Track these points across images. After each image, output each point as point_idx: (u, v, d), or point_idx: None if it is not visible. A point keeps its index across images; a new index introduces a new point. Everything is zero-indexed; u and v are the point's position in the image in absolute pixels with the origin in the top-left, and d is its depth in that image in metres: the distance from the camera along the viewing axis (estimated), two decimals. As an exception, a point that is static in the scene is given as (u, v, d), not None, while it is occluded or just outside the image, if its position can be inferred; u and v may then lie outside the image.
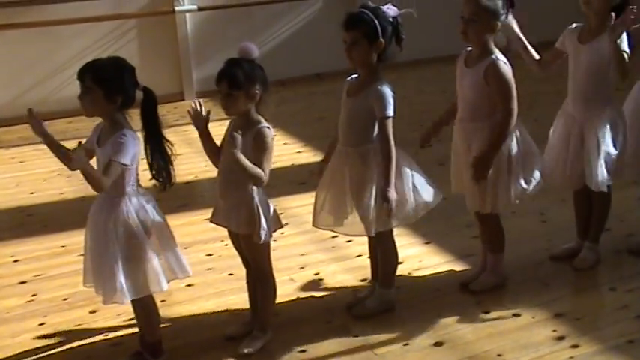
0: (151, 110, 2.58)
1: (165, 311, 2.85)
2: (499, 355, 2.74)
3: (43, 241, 3.87)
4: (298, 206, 4.07)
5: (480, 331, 2.89)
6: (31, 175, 4.91)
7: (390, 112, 2.78)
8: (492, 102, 2.92)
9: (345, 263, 3.49)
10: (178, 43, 6.59)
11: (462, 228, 3.66)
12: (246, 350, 2.79)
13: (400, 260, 3.12)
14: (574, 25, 3.19)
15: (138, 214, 2.58)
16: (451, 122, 3.10)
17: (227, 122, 2.76)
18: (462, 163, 3.08)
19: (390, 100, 2.78)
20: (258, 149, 2.62)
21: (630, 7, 2.92)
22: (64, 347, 2.92)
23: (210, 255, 3.62)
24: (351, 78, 2.93)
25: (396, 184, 2.79)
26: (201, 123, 2.70)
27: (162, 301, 2.88)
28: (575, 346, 2.78)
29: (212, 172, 2.82)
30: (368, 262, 3.17)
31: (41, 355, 2.88)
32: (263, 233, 2.68)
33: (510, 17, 2.97)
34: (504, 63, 2.91)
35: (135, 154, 2.52)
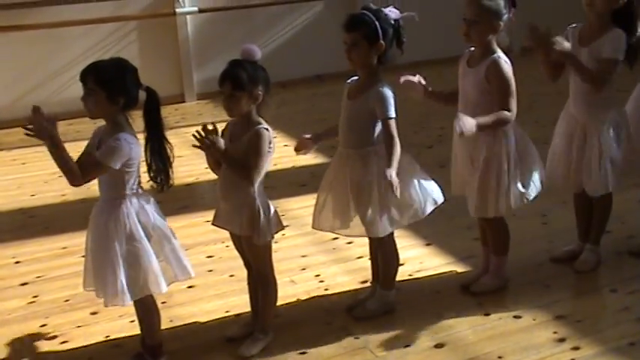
0: (154, 111, 2.58)
1: (166, 313, 2.85)
2: (500, 357, 2.74)
3: (44, 243, 3.88)
4: (299, 208, 4.07)
5: (480, 333, 2.89)
6: (33, 176, 4.91)
7: (392, 113, 2.78)
8: (494, 102, 2.92)
9: (346, 265, 3.49)
10: (179, 45, 6.60)
11: (463, 230, 3.66)
12: (247, 352, 2.79)
13: (401, 262, 3.12)
14: (574, 25, 3.19)
15: (138, 215, 2.58)
16: (450, 103, 3.07)
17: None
18: (462, 164, 3.09)
19: (391, 101, 2.79)
20: (252, 148, 2.62)
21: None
22: (65, 349, 2.92)
23: (210, 257, 3.63)
24: (351, 80, 2.93)
25: (401, 184, 2.77)
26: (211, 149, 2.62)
27: (163, 302, 2.88)
28: (576, 348, 2.77)
29: (212, 173, 2.83)
30: (369, 263, 3.17)
31: (42, 356, 2.87)
32: (264, 235, 2.68)
33: (561, 39, 2.94)
34: (505, 61, 2.91)
35: (130, 157, 2.52)
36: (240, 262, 2.90)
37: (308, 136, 2.95)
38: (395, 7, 2.84)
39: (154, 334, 2.75)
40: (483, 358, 2.75)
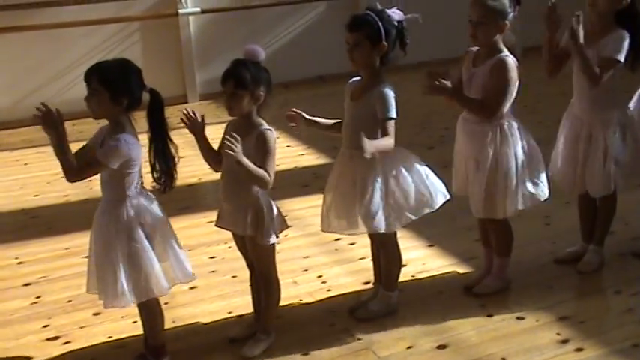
0: (157, 112, 2.59)
1: (168, 313, 2.85)
2: (503, 358, 2.73)
3: (47, 244, 3.88)
4: (302, 209, 4.07)
5: (483, 334, 2.89)
6: (35, 177, 4.92)
7: (393, 114, 2.78)
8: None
9: (349, 266, 3.49)
10: (182, 46, 6.60)
11: (466, 231, 3.65)
12: (249, 353, 2.79)
13: (403, 263, 3.12)
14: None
15: (139, 217, 2.58)
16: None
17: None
18: (464, 165, 3.08)
19: (392, 102, 2.78)
20: (261, 152, 2.62)
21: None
22: (68, 349, 2.92)
23: (213, 257, 3.62)
24: (353, 81, 2.93)
25: (412, 177, 2.85)
26: (198, 128, 2.69)
27: (166, 303, 2.88)
28: (579, 349, 2.77)
29: (215, 174, 2.83)
30: (371, 264, 3.17)
31: (45, 357, 2.87)
32: (269, 235, 2.68)
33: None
34: (513, 61, 2.91)
35: (130, 158, 2.52)
36: (243, 262, 2.90)
37: (299, 111, 2.91)
38: (399, 9, 2.84)
39: (157, 334, 2.75)
40: (486, 359, 2.74)
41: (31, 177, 4.95)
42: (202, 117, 2.70)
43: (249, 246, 2.76)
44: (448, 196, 2.96)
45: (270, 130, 2.66)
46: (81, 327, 3.06)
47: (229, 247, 3.26)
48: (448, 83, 2.85)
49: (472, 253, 3.46)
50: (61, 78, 6.17)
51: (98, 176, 2.61)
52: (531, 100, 5.40)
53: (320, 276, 3.42)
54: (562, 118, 3.31)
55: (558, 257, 3.44)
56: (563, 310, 3.02)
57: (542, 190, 3.07)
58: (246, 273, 2.92)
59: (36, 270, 3.59)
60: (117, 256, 2.54)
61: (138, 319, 2.80)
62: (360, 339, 2.88)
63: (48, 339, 2.99)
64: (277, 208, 2.76)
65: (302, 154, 5.13)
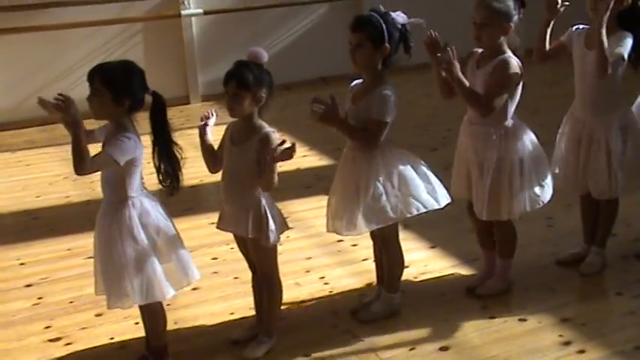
0: (160, 114, 2.58)
1: (170, 315, 2.85)
2: (505, 360, 2.74)
3: (48, 245, 3.88)
4: (304, 210, 4.07)
5: (485, 336, 2.88)
6: (37, 178, 4.92)
7: (386, 118, 2.78)
8: (504, 105, 2.91)
9: (351, 267, 3.49)
10: (184, 47, 6.61)
11: (468, 232, 3.65)
12: (251, 355, 2.78)
13: (406, 264, 3.12)
14: (581, 26, 3.18)
15: (141, 218, 2.57)
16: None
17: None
18: (466, 167, 3.08)
19: (390, 105, 2.77)
20: (266, 153, 2.62)
21: None
22: (70, 350, 2.92)
23: (215, 259, 3.62)
24: (356, 84, 2.93)
25: (417, 172, 2.87)
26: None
27: (168, 305, 2.88)
28: (581, 351, 2.76)
29: (217, 175, 2.82)
30: (373, 266, 3.16)
31: (47, 358, 2.87)
32: (271, 236, 2.68)
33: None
34: (516, 61, 2.90)
35: (134, 158, 2.52)
36: (245, 264, 2.90)
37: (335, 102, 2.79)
38: (403, 12, 2.83)
39: (159, 335, 2.75)
40: (488, 361, 2.74)
41: (33, 178, 4.95)
42: (213, 112, 2.73)
43: (251, 247, 2.76)
44: (450, 199, 2.96)
45: (273, 131, 2.66)
46: (83, 328, 3.06)
47: (231, 249, 3.26)
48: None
49: (474, 255, 3.45)
50: (63, 79, 6.17)
51: (99, 177, 2.61)
52: (533, 102, 5.39)
53: (322, 277, 3.42)
54: (563, 120, 3.31)
55: (560, 259, 3.44)
56: (565, 312, 3.02)
57: (547, 193, 3.06)
58: (248, 274, 2.92)
59: (38, 271, 3.59)
60: (119, 258, 2.54)
61: (140, 320, 2.80)
62: (362, 340, 2.88)
63: (50, 340, 2.99)
64: (278, 210, 2.75)
65: (304, 156, 5.13)
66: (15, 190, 4.77)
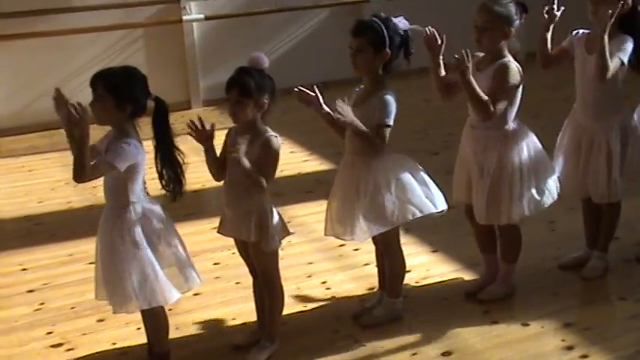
0: (162, 120, 2.59)
1: (172, 320, 2.85)
2: (508, 365, 2.73)
3: (50, 250, 3.88)
4: (305, 215, 4.07)
5: (488, 341, 2.88)
6: (40, 184, 4.93)
7: (389, 121, 2.78)
8: (505, 109, 2.90)
9: (353, 272, 3.48)
10: (185, 52, 6.62)
11: (469, 236, 3.63)
12: (253, 360, 2.78)
13: (407, 269, 3.11)
14: (581, 31, 3.18)
15: (143, 224, 2.58)
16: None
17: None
18: (467, 172, 3.07)
19: (391, 109, 2.78)
20: (264, 156, 2.62)
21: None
22: (72, 356, 2.92)
23: (217, 264, 3.62)
24: (359, 89, 2.93)
25: (415, 177, 2.86)
26: (204, 137, 2.65)
27: (170, 310, 2.88)
28: (584, 356, 2.76)
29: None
30: (375, 271, 3.16)
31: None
32: (272, 241, 2.68)
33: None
34: (516, 66, 2.91)
35: (136, 163, 2.52)
36: (246, 269, 2.90)
37: (318, 94, 2.82)
38: (405, 18, 2.84)
39: (162, 341, 2.75)
40: (491, 366, 2.74)
41: (35, 183, 4.96)
42: (212, 125, 2.64)
43: (252, 252, 2.76)
44: (446, 206, 2.94)
45: (275, 136, 2.67)
46: (84, 334, 3.06)
47: (233, 254, 3.26)
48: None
49: (476, 260, 3.44)
50: (64, 85, 6.06)
51: (102, 182, 2.61)
52: (534, 106, 5.40)
53: (324, 282, 3.41)
54: (564, 123, 3.31)
55: (562, 263, 3.43)
56: (568, 317, 3.01)
57: (548, 198, 3.06)
58: (250, 280, 2.92)
59: (40, 277, 3.59)
60: (121, 263, 2.55)
61: (142, 325, 2.80)
62: (364, 345, 2.88)
63: (52, 346, 2.99)
64: (279, 215, 2.75)
65: (306, 160, 5.13)
66: (17, 195, 4.77)
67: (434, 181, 2.95)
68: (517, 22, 2.91)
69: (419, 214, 2.86)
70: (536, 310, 3.06)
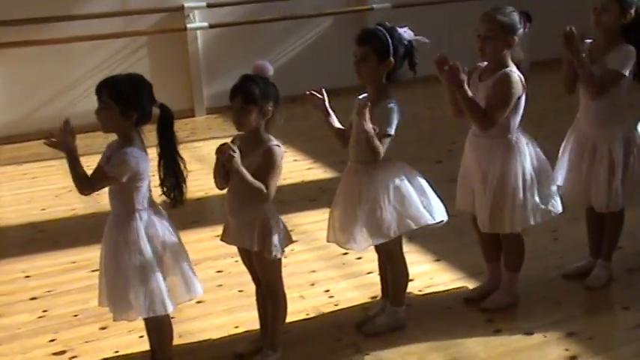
0: (167, 127, 2.60)
1: (175, 328, 2.84)
2: (511, 374, 2.72)
3: (54, 257, 3.88)
4: (309, 223, 4.07)
5: (491, 350, 2.87)
6: (43, 191, 4.94)
7: (390, 131, 2.78)
8: (507, 118, 2.91)
9: (356, 280, 3.48)
10: (189, 60, 6.64)
11: (472, 245, 3.63)
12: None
13: (410, 278, 3.11)
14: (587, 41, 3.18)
15: (147, 231, 2.58)
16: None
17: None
18: (470, 180, 3.07)
19: (394, 118, 2.78)
20: (265, 165, 2.63)
21: None
22: (74, 364, 2.92)
23: (220, 272, 3.62)
24: (363, 97, 2.93)
25: (413, 186, 2.86)
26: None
27: (173, 317, 2.87)
28: (587, 365, 2.75)
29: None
30: (378, 279, 3.16)
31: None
32: (275, 249, 2.68)
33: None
34: (519, 75, 2.91)
35: (138, 172, 2.53)
36: (249, 277, 2.89)
37: (324, 96, 2.92)
38: (410, 29, 2.84)
39: (165, 348, 2.75)
40: (494, 375, 2.73)
41: (38, 191, 4.97)
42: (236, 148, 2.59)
43: (256, 261, 2.76)
44: (446, 217, 2.94)
45: (278, 145, 2.67)
46: (87, 341, 3.06)
47: (236, 262, 3.26)
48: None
49: (479, 268, 3.44)
50: (68, 92, 6.20)
51: (107, 190, 2.62)
52: (537, 115, 5.41)
53: (327, 290, 3.41)
54: (567, 132, 3.31)
55: (566, 272, 3.42)
56: (571, 326, 3.00)
57: (554, 205, 3.05)
58: (252, 287, 2.92)
59: (43, 284, 3.59)
60: (125, 270, 2.55)
61: (144, 333, 2.80)
62: (367, 354, 2.87)
63: (54, 353, 2.99)
64: (283, 223, 2.76)
65: (309, 168, 5.14)
66: (20, 202, 4.78)
67: (435, 191, 2.95)
68: (520, 31, 2.92)
69: (414, 227, 2.87)
70: (539, 320, 3.05)
